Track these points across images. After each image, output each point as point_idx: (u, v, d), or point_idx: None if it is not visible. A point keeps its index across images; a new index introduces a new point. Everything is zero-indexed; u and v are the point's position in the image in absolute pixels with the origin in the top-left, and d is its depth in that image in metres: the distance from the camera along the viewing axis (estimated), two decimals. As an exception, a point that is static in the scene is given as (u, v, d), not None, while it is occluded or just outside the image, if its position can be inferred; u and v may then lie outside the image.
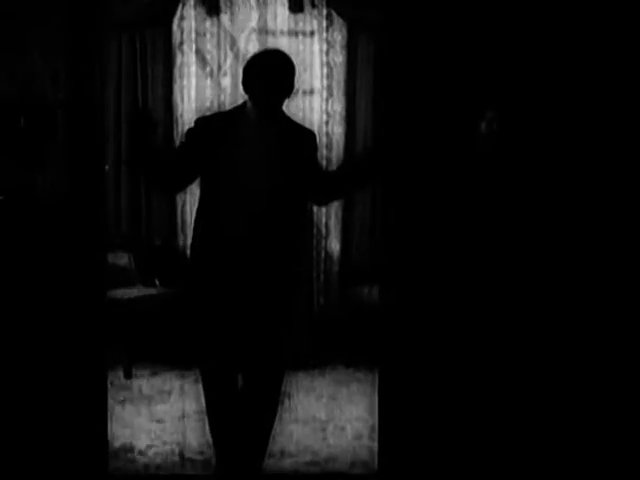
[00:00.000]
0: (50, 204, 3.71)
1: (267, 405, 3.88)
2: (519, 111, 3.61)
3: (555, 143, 3.64)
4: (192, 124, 3.90)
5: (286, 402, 5.23)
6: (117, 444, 4.36)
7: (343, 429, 4.83)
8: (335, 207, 6.66)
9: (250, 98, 3.80)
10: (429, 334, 3.81)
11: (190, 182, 3.88)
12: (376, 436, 3.97)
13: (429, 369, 3.82)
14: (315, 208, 6.53)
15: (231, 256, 3.75)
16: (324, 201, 4.27)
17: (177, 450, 4.43)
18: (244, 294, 3.76)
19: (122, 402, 5.19)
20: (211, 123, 3.86)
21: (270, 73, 3.73)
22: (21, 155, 3.61)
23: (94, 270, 3.83)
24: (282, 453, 4.39)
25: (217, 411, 3.83)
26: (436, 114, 3.70)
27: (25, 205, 3.67)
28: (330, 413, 5.14)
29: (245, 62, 3.88)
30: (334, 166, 6.56)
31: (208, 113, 4.40)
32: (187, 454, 4.38)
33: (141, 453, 4.37)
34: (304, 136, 3.99)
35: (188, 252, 4.08)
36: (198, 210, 3.86)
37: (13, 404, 3.68)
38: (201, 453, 4.36)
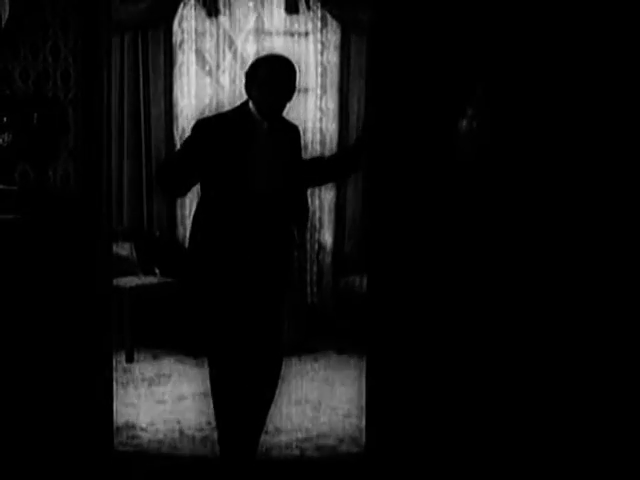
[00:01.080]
0: (60, 195, 3.91)
1: (269, 387, 4.06)
2: (499, 109, 3.69)
3: (535, 143, 3.70)
4: (193, 126, 3.93)
5: (280, 385, 5.48)
6: (120, 422, 4.56)
7: (334, 409, 5.06)
8: (328, 201, 6.79)
9: (253, 101, 3.88)
10: (413, 321, 3.92)
11: (195, 184, 3.94)
12: (364, 415, 4.14)
13: (413, 354, 3.93)
14: (309, 201, 6.71)
15: (234, 252, 3.85)
16: (311, 186, 4.45)
17: (177, 427, 4.68)
18: (246, 284, 3.87)
19: (124, 384, 5.41)
20: (213, 125, 3.89)
21: (277, 79, 3.83)
22: (34, 149, 3.82)
23: (100, 258, 4.00)
24: (277, 430, 4.64)
25: (223, 394, 3.93)
26: (420, 112, 3.80)
27: (37, 196, 3.86)
28: (322, 395, 5.36)
29: (249, 66, 3.97)
30: None
31: (208, 114, 4.46)
32: (186, 432, 4.63)
33: (143, 430, 4.62)
34: (294, 132, 4.12)
35: (186, 243, 4.25)
36: (200, 206, 3.95)
37: (26, 385, 3.86)
38: (200, 430, 4.62)
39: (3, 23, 3.77)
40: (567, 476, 3.78)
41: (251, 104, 3.90)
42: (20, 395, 3.83)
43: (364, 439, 4.15)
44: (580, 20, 3.58)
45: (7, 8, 3.76)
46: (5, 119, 3.71)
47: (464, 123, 3.66)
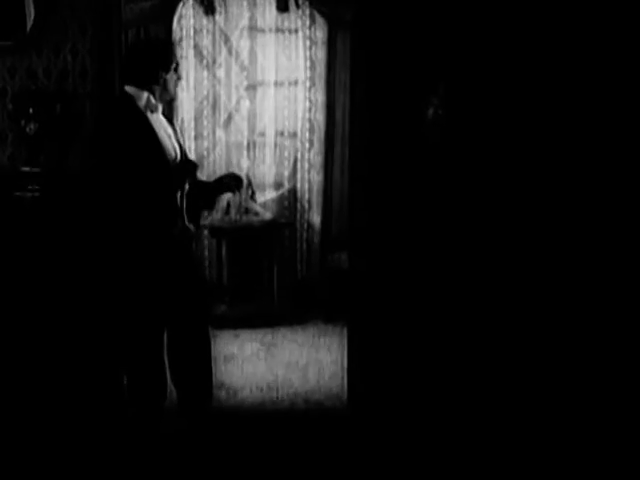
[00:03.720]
0: (78, 179, 4.30)
1: (201, 347, 4.28)
2: (458, 99, 4.01)
3: (488, 124, 3.98)
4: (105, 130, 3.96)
5: (273, 350, 6.01)
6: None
7: (320, 370, 5.53)
8: (317, 183, 7.10)
9: (160, 85, 4.01)
10: (388, 291, 4.22)
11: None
12: (346, 375, 4.58)
13: (387, 321, 4.24)
14: (299, 185, 7.12)
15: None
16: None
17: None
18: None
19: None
20: (134, 118, 3.98)
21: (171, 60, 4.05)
22: (56, 137, 4.31)
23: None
24: (269, 388, 5.17)
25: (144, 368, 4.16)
26: (393, 101, 4.12)
27: (58, 177, 4.32)
28: (310, 358, 5.81)
29: (160, 51, 4.04)
30: (316, 148, 7.08)
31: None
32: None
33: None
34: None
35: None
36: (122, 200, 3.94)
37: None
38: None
39: (28, 27, 4.26)
40: (531, 428, 4.07)
41: (129, 88, 3.99)
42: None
43: (346, 395, 4.60)
44: (520, 25, 3.91)
45: (32, 14, 4.25)
46: (31, 111, 4.22)
47: (430, 111, 4.02)
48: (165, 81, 4.01)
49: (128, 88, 4.00)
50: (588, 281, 3.96)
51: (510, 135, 4.00)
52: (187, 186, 4.14)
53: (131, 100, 3.97)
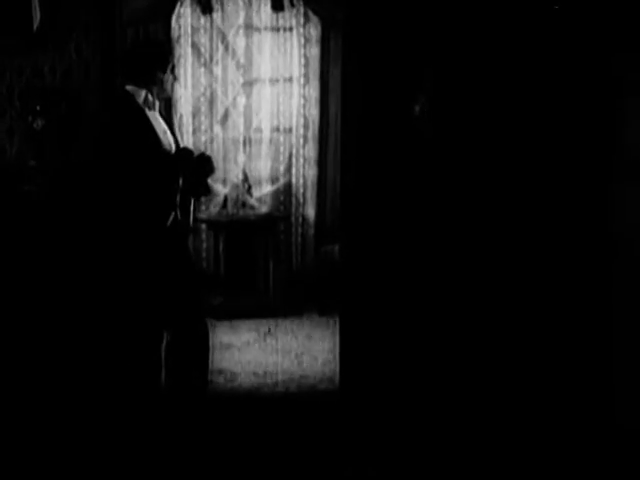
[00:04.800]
0: (80, 173, 4.50)
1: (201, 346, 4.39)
2: (447, 95, 4.18)
3: (478, 119, 4.13)
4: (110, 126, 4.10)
5: (269, 340, 6.21)
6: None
7: (314, 358, 5.74)
8: (311, 178, 7.28)
9: (156, 83, 4.17)
10: (378, 282, 4.36)
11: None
12: (338, 359, 4.72)
13: (376, 311, 4.38)
14: (294, 179, 7.29)
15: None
16: None
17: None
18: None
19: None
20: (130, 118, 4.12)
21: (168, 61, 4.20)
22: (62, 132, 4.50)
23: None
24: (266, 374, 5.38)
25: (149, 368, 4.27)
26: (383, 98, 4.27)
27: (62, 170, 4.51)
28: (304, 347, 6.02)
29: (157, 50, 4.21)
30: (310, 143, 7.26)
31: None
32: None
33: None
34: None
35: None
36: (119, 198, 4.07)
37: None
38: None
39: (35, 27, 4.45)
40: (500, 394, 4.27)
41: (130, 87, 4.13)
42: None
43: (338, 379, 4.76)
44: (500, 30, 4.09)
45: (38, 15, 4.44)
46: (38, 107, 4.41)
47: (417, 107, 4.21)
48: (162, 81, 4.18)
49: (128, 86, 4.15)
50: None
51: (489, 129, 4.17)
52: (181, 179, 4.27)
53: (131, 97, 4.13)
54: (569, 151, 3.93)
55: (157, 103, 4.24)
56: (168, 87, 4.24)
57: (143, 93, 4.15)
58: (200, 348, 4.41)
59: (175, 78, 4.28)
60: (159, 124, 4.23)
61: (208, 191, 4.61)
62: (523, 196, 4.08)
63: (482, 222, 4.18)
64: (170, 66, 4.21)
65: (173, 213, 4.21)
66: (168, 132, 4.29)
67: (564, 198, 3.97)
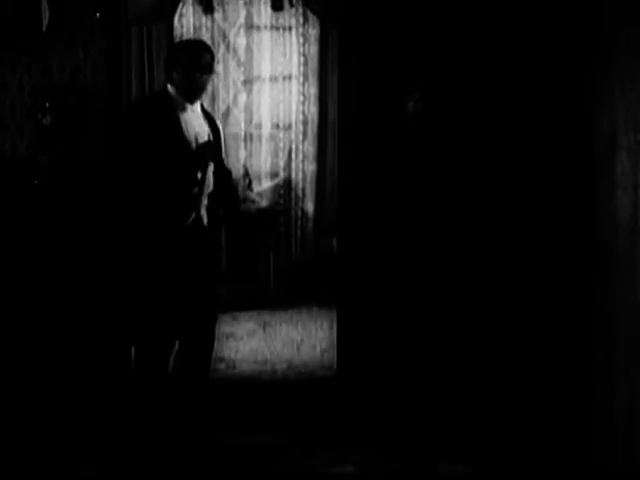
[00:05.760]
0: (87, 169, 4.61)
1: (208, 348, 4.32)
2: (439, 94, 4.26)
3: (468, 116, 4.19)
4: (121, 119, 4.19)
5: (269, 329, 6.39)
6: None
7: (313, 347, 5.94)
8: (310, 173, 7.46)
9: (175, 83, 4.07)
10: (373, 274, 4.47)
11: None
12: (335, 348, 4.86)
13: (371, 301, 4.50)
14: (293, 174, 7.47)
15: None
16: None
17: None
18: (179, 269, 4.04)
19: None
20: (141, 113, 4.09)
21: (201, 61, 4.05)
22: (69, 128, 4.65)
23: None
24: (266, 361, 5.57)
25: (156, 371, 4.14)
26: (378, 95, 4.40)
27: (69, 166, 4.63)
28: (304, 337, 6.20)
29: (172, 50, 4.31)
30: (309, 139, 7.44)
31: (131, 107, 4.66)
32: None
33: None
34: (214, 121, 4.27)
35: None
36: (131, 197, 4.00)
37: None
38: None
39: (44, 27, 4.61)
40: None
41: (170, 88, 4.09)
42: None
43: (335, 366, 4.89)
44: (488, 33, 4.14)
45: (47, 15, 4.61)
46: (47, 104, 4.59)
47: (411, 104, 4.34)
48: (188, 83, 4.06)
49: (169, 86, 4.12)
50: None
51: (481, 124, 4.26)
52: (208, 175, 4.16)
53: (165, 96, 4.10)
54: (552, 146, 4.03)
55: (187, 104, 4.09)
56: (186, 87, 4.07)
57: (177, 94, 4.08)
58: (207, 343, 4.37)
59: (206, 81, 4.11)
60: (191, 126, 4.08)
61: (237, 203, 4.66)
62: (508, 189, 4.15)
63: (471, 214, 4.27)
64: (182, 68, 4.05)
65: (194, 213, 4.11)
66: (205, 132, 4.13)
67: (549, 191, 4.07)
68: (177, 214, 4.05)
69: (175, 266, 4.03)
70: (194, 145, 4.06)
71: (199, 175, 4.09)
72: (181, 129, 4.04)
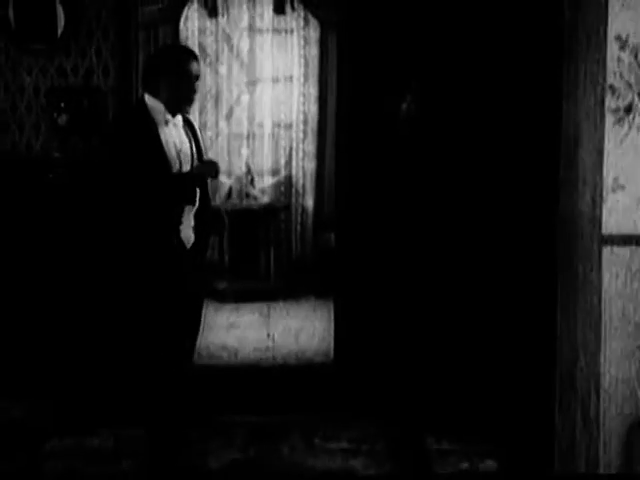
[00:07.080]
0: (99, 166, 4.87)
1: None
2: (431, 97, 4.46)
3: (459, 119, 4.37)
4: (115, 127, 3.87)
5: (269, 320, 6.64)
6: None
7: (312, 335, 6.17)
8: (310, 170, 7.64)
9: (159, 93, 3.71)
10: (368, 268, 4.66)
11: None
12: (332, 337, 5.13)
13: (367, 292, 4.69)
14: (294, 172, 7.66)
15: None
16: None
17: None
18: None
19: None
20: (133, 121, 3.74)
21: (188, 69, 3.71)
22: (83, 127, 4.91)
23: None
24: (267, 348, 5.84)
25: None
26: (374, 97, 4.58)
27: (83, 162, 4.92)
28: (302, 326, 6.43)
29: (153, 58, 3.89)
30: (310, 138, 7.62)
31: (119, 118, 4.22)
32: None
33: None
34: (192, 126, 3.96)
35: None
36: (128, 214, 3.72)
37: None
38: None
39: (59, 32, 4.88)
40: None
41: (149, 99, 3.74)
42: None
43: (332, 353, 5.14)
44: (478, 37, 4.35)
45: (62, 21, 4.88)
46: (62, 104, 4.86)
47: (404, 106, 4.54)
48: (175, 94, 3.73)
49: (146, 97, 3.77)
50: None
51: (472, 125, 4.47)
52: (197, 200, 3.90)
53: (142, 109, 3.74)
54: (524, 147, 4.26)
55: (170, 117, 3.76)
56: (186, 101, 3.76)
57: (160, 105, 3.73)
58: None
59: (194, 92, 3.78)
60: (172, 143, 3.75)
61: (223, 224, 4.47)
62: (484, 185, 4.37)
63: (458, 208, 4.47)
64: (181, 79, 3.71)
65: (180, 232, 3.80)
66: (187, 148, 3.83)
67: (522, 190, 4.30)
68: (161, 234, 3.75)
69: (164, 281, 3.77)
70: (177, 163, 3.74)
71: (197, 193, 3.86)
72: (161, 148, 3.69)
